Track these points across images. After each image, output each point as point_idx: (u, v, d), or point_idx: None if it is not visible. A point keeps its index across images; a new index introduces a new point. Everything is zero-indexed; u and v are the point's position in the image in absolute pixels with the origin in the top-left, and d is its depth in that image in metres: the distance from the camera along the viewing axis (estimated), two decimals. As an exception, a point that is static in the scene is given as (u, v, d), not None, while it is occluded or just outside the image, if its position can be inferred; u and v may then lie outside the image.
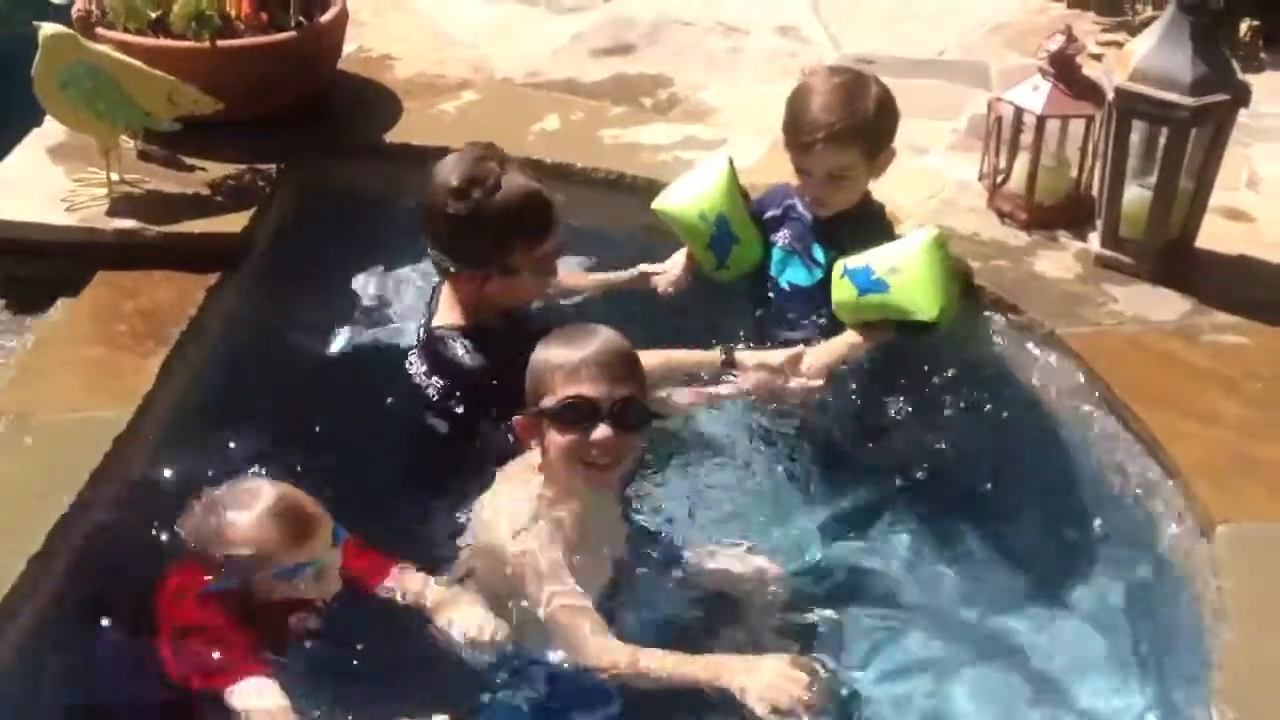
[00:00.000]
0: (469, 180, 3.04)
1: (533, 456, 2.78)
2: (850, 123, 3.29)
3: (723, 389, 3.26)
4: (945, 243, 3.32)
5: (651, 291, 3.67)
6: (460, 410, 3.08)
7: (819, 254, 3.44)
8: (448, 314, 3.18)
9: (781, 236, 3.52)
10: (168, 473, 3.11)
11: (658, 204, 3.62)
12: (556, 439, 2.68)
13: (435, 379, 3.13)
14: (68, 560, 2.80)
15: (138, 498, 3.03)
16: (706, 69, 4.89)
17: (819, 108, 3.33)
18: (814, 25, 5.34)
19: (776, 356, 3.27)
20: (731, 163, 3.60)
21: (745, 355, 3.29)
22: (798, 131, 3.37)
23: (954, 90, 4.79)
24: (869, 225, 3.43)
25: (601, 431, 2.65)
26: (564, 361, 2.68)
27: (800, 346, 3.29)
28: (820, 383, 3.26)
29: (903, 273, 3.23)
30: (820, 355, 3.30)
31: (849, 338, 3.34)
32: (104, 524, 2.91)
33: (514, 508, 2.72)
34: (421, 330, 3.27)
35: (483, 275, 3.10)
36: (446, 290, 3.22)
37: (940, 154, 4.23)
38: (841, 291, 3.32)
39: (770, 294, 3.53)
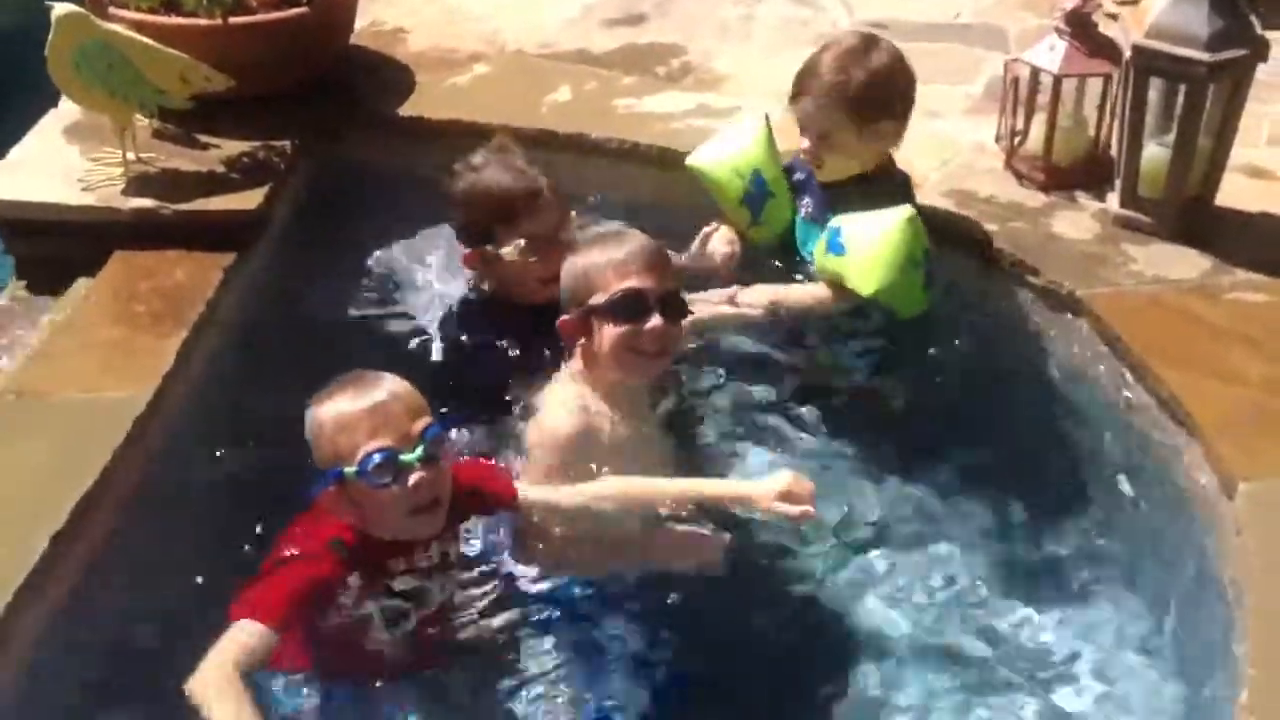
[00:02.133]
0: (468, 163, 3.32)
1: (572, 365, 2.93)
2: (834, 81, 3.29)
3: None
4: (918, 227, 3.22)
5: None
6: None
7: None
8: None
9: (804, 205, 3.50)
10: (189, 452, 3.14)
11: (692, 160, 3.60)
12: (610, 332, 2.84)
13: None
14: (90, 538, 2.82)
15: (160, 476, 3.05)
16: (719, 37, 4.85)
17: (816, 65, 3.35)
18: (830, -8, 5.29)
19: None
20: (768, 119, 3.57)
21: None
22: (795, 81, 3.41)
23: (970, 54, 4.75)
24: (883, 197, 3.35)
25: (654, 321, 2.83)
26: (612, 258, 2.86)
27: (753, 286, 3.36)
28: (756, 312, 3.32)
29: (859, 241, 3.20)
30: (770, 292, 3.35)
31: (815, 289, 3.35)
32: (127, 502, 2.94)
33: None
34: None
35: (477, 253, 3.30)
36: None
37: (955, 118, 4.20)
38: (819, 245, 3.31)
39: (794, 265, 3.51)
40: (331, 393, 2.59)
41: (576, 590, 2.79)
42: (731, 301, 3.31)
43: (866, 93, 3.27)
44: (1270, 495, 2.76)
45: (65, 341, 3.32)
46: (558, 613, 2.76)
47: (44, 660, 2.63)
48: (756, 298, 3.33)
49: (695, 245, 3.58)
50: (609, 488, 2.79)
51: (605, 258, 2.87)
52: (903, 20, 4.94)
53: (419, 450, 2.52)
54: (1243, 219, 3.63)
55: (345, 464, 2.53)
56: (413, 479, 2.52)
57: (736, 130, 3.64)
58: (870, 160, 3.39)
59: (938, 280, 3.28)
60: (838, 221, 3.27)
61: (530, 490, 2.78)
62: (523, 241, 3.23)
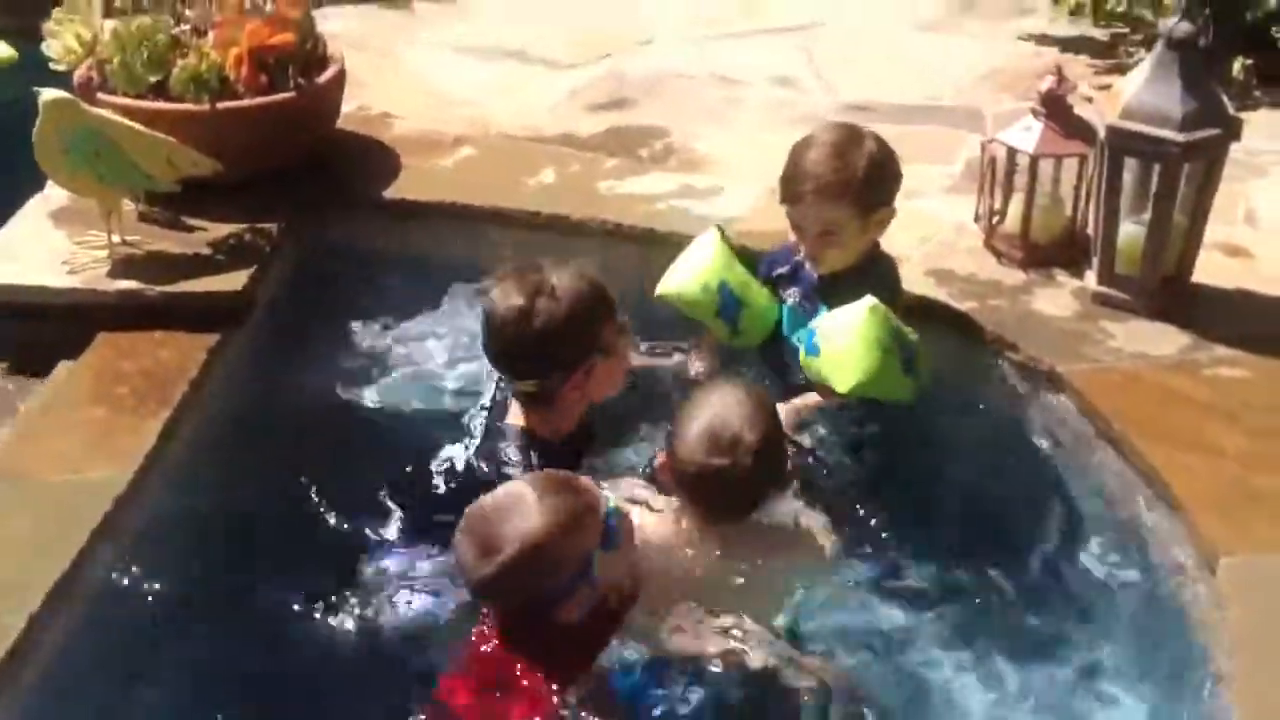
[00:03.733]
0: (529, 296, 3.01)
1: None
2: (838, 178, 3.28)
3: None
4: (879, 313, 3.21)
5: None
6: None
7: (824, 312, 3.43)
8: (517, 417, 3.17)
9: (791, 294, 3.51)
10: (170, 533, 3.13)
11: (660, 289, 3.60)
12: None
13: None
14: (68, 619, 2.81)
15: (140, 557, 3.04)
16: (702, 120, 4.90)
17: (810, 162, 3.33)
18: (809, 74, 5.37)
19: None
20: (721, 230, 3.60)
21: None
22: (788, 184, 3.38)
23: (949, 135, 4.82)
24: (873, 283, 3.36)
25: None
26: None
27: None
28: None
29: (832, 341, 3.21)
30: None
31: (807, 397, 3.34)
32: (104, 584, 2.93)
33: None
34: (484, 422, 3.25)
35: (585, 369, 3.09)
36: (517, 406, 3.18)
37: (936, 197, 4.24)
38: (802, 349, 3.33)
39: (784, 353, 3.51)
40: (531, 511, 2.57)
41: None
42: None
43: (868, 183, 3.29)
44: (1252, 570, 2.76)
45: (47, 422, 3.33)
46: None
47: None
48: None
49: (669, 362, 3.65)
50: None
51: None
52: (884, 102, 5.02)
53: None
54: (1220, 296, 3.66)
55: (591, 548, 2.58)
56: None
57: (694, 249, 3.62)
58: (865, 248, 3.41)
59: (922, 362, 3.28)
60: (815, 323, 3.30)
61: None
62: (624, 321, 3.17)
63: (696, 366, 3.62)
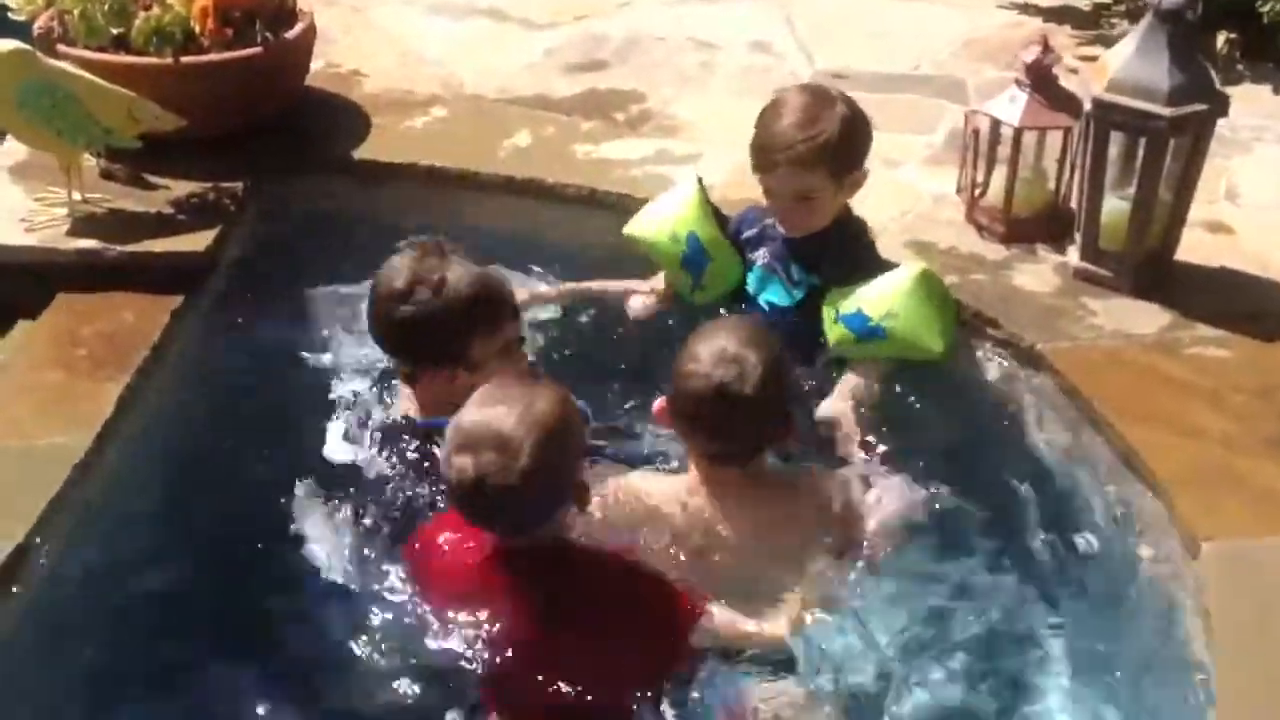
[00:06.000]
0: (412, 281, 2.92)
1: None
2: (812, 144, 3.22)
3: None
4: (930, 276, 3.26)
5: (625, 315, 3.64)
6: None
7: (797, 274, 3.38)
8: (406, 405, 3.07)
9: (760, 255, 3.46)
10: (130, 504, 3.04)
11: (629, 229, 3.58)
12: None
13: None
14: (20, 595, 2.72)
15: (98, 530, 2.96)
16: (679, 84, 4.81)
17: (781, 129, 3.26)
18: (788, 40, 5.26)
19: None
20: (701, 182, 3.55)
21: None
22: (761, 153, 3.32)
23: (930, 105, 4.74)
24: (848, 244, 3.36)
25: None
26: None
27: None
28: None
29: (899, 317, 3.19)
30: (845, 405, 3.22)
31: (849, 385, 3.26)
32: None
33: None
34: (378, 421, 3.12)
35: (448, 373, 2.96)
36: (406, 390, 3.09)
37: (915, 168, 4.18)
38: (836, 334, 3.27)
39: (751, 314, 3.45)
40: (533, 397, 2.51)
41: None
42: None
43: (841, 147, 3.23)
44: (1234, 554, 2.72)
45: (1, 387, 3.22)
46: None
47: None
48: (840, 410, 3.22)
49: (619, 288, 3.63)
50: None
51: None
52: (862, 71, 4.94)
53: None
54: (1203, 274, 3.61)
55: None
56: None
57: (670, 195, 3.61)
58: (838, 211, 3.35)
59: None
60: (849, 306, 3.25)
61: None
62: (505, 340, 3.00)
63: (639, 304, 3.61)
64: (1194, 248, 3.67)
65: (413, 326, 2.93)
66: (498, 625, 2.56)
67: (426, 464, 2.88)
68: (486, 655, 2.55)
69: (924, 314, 3.21)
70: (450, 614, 2.60)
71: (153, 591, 2.93)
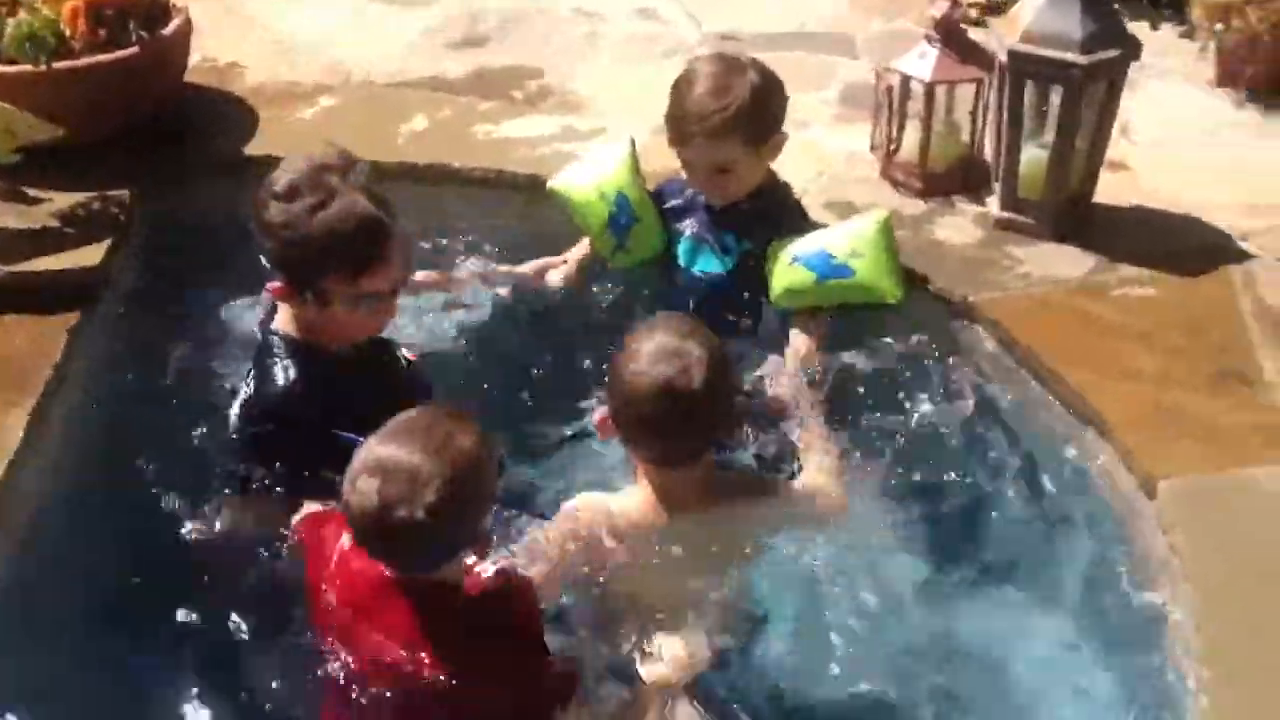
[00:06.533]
0: (294, 188, 2.67)
1: None
2: (724, 115, 3.15)
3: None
4: (890, 224, 3.24)
5: (543, 290, 3.53)
6: (252, 434, 2.77)
7: (729, 241, 3.32)
8: (285, 319, 2.85)
9: (688, 225, 3.38)
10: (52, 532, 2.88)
11: (553, 183, 3.48)
12: None
13: (247, 387, 2.81)
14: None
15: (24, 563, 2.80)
16: (568, 57, 4.71)
17: (693, 100, 3.20)
18: (672, 6, 5.20)
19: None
20: (634, 143, 3.46)
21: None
22: (675, 125, 3.25)
23: (820, 61, 4.72)
24: (777, 207, 3.32)
25: None
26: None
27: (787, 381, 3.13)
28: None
29: (865, 255, 3.15)
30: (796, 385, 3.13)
31: (798, 343, 3.21)
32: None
33: None
34: (258, 327, 2.97)
35: (296, 299, 2.77)
36: (283, 306, 2.88)
37: (822, 127, 4.14)
38: (794, 276, 3.20)
39: (680, 284, 3.39)
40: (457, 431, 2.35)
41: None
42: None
43: (755, 114, 3.17)
44: (1191, 490, 2.74)
45: (-107, 425, 3.02)
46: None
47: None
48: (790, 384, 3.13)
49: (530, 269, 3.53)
50: None
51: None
52: (749, 31, 4.90)
53: None
54: (1115, 215, 3.64)
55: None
56: None
57: (600, 153, 3.55)
58: (761, 176, 3.29)
59: None
60: (808, 246, 3.20)
61: None
62: (365, 289, 2.74)
63: (558, 276, 3.52)
64: (1099, 189, 3.68)
65: (274, 234, 2.70)
66: (378, 652, 2.41)
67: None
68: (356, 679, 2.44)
69: (886, 259, 3.19)
70: (334, 625, 2.47)
71: (86, 612, 2.82)
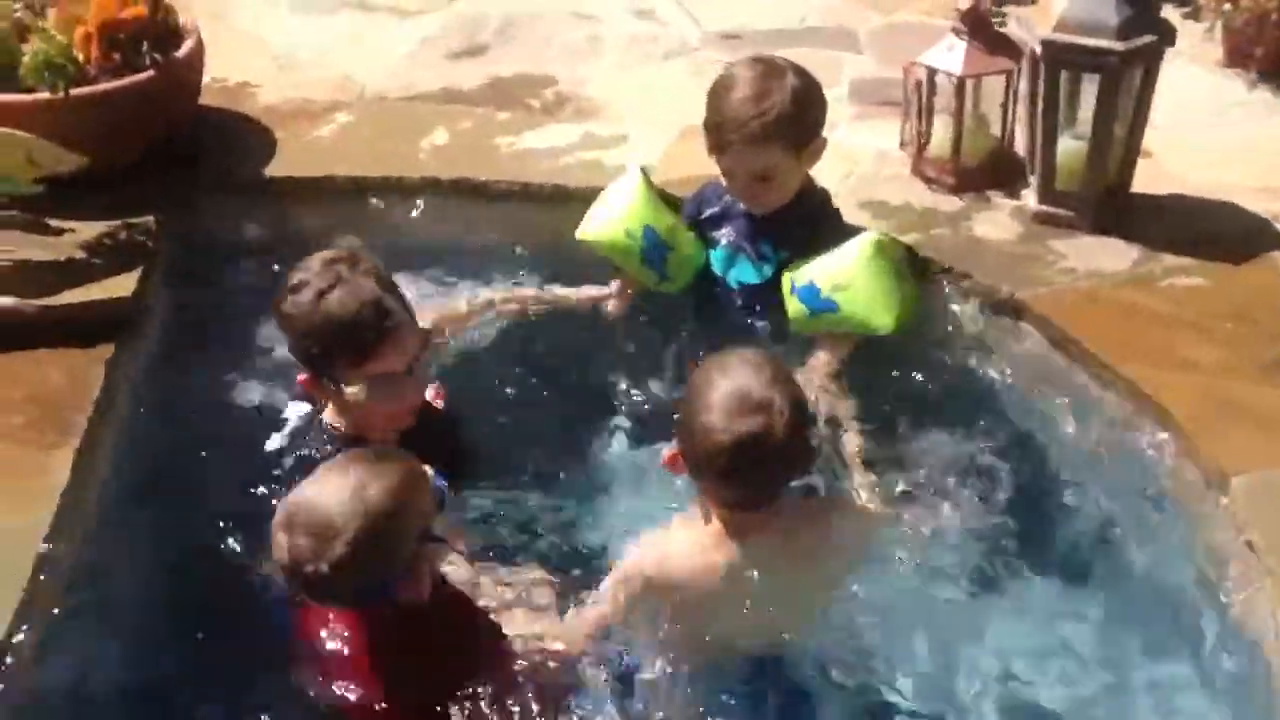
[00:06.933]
0: (302, 282, 2.77)
1: None
2: (764, 121, 3.13)
3: None
4: (885, 245, 3.19)
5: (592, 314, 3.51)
6: None
7: (766, 249, 3.29)
8: (331, 410, 2.88)
9: (725, 234, 3.36)
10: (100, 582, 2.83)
11: (580, 233, 3.43)
12: None
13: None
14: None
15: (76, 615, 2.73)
16: (570, 61, 4.65)
17: (731, 107, 3.17)
18: (668, 4, 5.15)
19: None
20: (644, 171, 3.44)
21: None
22: (714, 133, 3.22)
23: (826, 56, 4.66)
24: (814, 216, 3.30)
25: None
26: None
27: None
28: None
29: (849, 289, 3.11)
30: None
31: (818, 362, 3.18)
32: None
33: None
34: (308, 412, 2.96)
35: (319, 384, 2.82)
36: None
37: (844, 125, 4.11)
38: (793, 308, 3.19)
39: (718, 295, 3.37)
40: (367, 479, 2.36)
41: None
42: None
43: (796, 120, 3.14)
44: (1266, 485, 2.72)
45: (-65, 469, 2.95)
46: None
47: None
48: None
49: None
50: None
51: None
52: (751, 29, 4.87)
53: None
54: (1153, 203, 3.62)
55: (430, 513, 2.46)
56: None
57: (615, 191, 3.47)
58: (800, 182, 3.26)
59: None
60: (803, 278, 3.16)
61: None
62: (367, 382, 2.76)
63: (611, 306, 3.48)
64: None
65: (289, 327, 2.80)
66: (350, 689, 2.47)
67: None
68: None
69: (876, 287, 3.13)
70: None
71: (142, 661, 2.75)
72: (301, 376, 2.85)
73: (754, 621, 2.58)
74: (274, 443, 2.94)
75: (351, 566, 2.27)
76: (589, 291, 3.50)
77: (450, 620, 2.50)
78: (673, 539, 2.64)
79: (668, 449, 2.66)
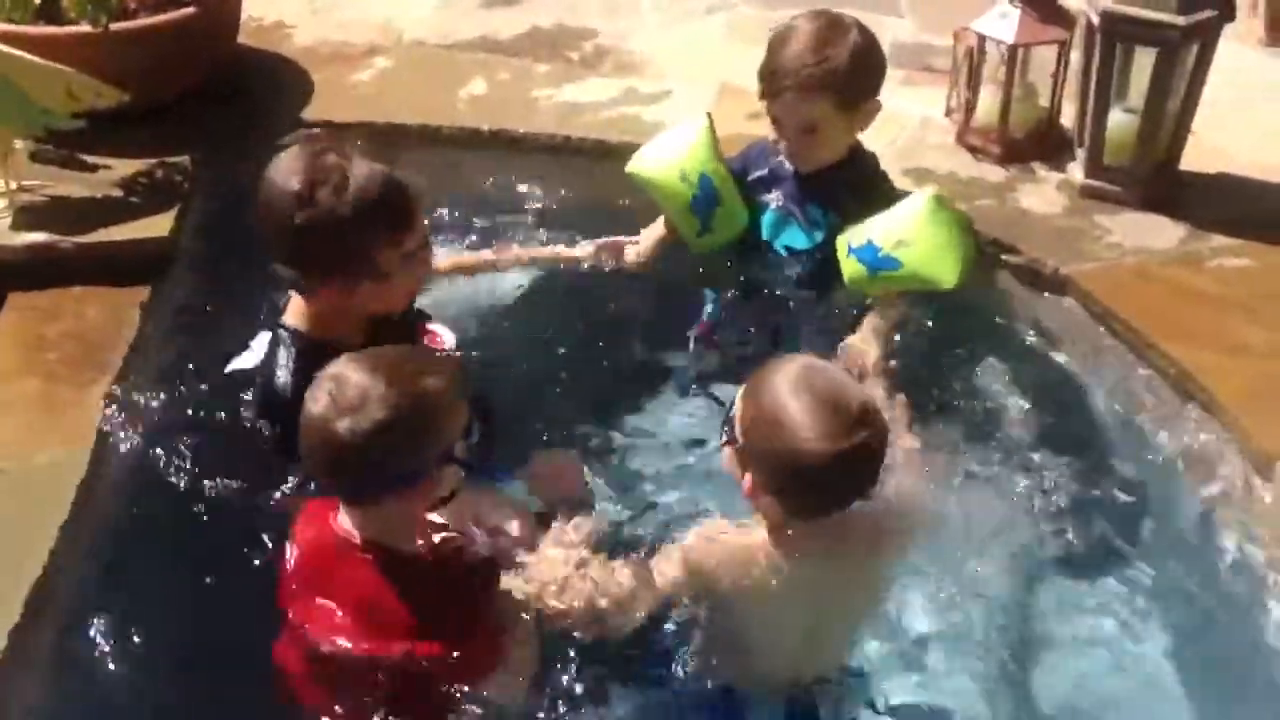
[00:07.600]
0: (312, 181, 2.54)
1: None
2: (820, 70, 3.07)
3: None
4: (945, 201, 3.14)
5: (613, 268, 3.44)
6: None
7: (815, 214, 3.24)
8: (296, 315, 2.74)
9: (774, 198, 3.30)
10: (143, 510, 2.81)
11: (632, 166, 3.35)
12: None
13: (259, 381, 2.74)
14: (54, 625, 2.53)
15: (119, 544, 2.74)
16: (610, 15, 4.58)
17: (790, 55, 3.11)
18: (708, -38, 5.09)
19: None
20: (711, 119, 3.36)
21: None
22: (768, 79, 3.16)
23: (867, 19, 4.51)
24: (863, 180, 3.24)
25: None
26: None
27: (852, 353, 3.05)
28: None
29: (912, 245, 3.05)
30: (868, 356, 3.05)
31: (874, 324, 3.12)
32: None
33: None
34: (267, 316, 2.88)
35: (349, 286, 2.64)
36: (298, 299, 2.76)
37: (889, 90, 4.04)
38: (851, 269, 3.12)
39: (765, 261, 3.32)
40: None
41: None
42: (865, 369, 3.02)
43: (852, 75, 3.09)
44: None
45: (-22, 403, 2.94)
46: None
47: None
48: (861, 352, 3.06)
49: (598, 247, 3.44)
50: None
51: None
52: (789, -13, 4.79)
53: None
54: (1203, 181, 3.59)
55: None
56: None
57: (679, 132, 3.39)
58: (850, 144, 3.22)
59: None
60: (859, 238, 3.10)
61: None
62: (413, 245, 2.65)
63: (632, 253, 3.43)
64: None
65: (313, 233, 2.54)
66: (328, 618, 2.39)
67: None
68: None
69: (937, 242, 3.07)
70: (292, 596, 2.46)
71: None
72: (317, 292, 2.65)
73: (797, 627, 2.49)
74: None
75: (375, 436, 2.21)
76: (610, 241, 3.43)
77: (448, 575, 2.43)
78: (730, 537, 2.52)
79: (727, 452, 2.46)
